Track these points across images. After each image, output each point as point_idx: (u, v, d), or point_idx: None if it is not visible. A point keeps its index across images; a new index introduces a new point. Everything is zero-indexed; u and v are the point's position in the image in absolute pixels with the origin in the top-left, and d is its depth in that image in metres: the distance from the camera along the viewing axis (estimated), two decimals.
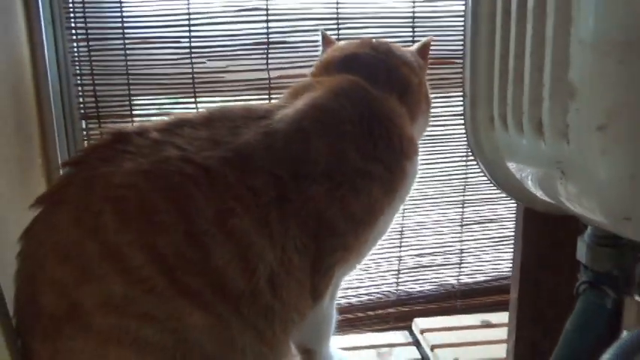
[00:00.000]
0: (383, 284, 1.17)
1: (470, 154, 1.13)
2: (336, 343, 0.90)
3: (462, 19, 1.05)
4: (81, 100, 1.00)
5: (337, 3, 1.01)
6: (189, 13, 0.98)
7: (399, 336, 1.03)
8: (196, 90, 1.01)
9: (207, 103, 1.02)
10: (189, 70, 1.00)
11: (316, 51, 1.00)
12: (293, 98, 0.74)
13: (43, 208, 0.65)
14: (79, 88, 1.00)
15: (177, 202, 0.61)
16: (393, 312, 1.15)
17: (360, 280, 1.15)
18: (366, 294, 1.16)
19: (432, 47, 0.89)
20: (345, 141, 0.70)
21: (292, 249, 0.67)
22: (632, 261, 0.59)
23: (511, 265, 1.20)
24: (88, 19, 0.97)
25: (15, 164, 0.86)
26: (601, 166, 0.36)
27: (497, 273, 1.20)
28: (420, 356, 0.96)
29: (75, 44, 0.98)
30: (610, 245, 0.57)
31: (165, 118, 0.72)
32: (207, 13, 0.98)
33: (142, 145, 0.65)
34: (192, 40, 0.99)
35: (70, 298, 0.59)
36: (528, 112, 0.42)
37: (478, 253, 1.19)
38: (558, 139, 0.39)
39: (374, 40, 0.85)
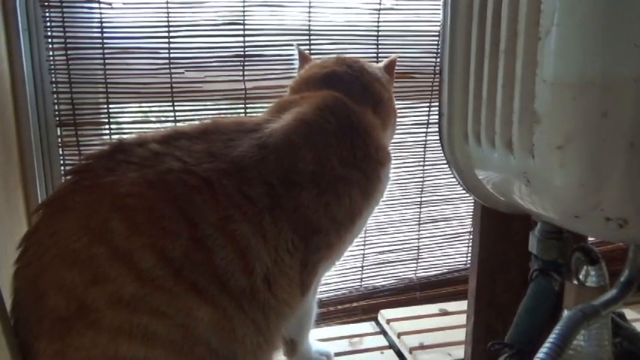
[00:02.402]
0: (348, 280, 1.26)
1: (425, 159, 1.25)
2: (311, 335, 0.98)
3: (419, 38, 1.17)
4: (56, 107, 1.02)
5: (309, 20, 1.08)
6: (168, 25, 1.02)
7: (366, 327, 1.12)
8: (174, 99, 1.05)
9: (186, 112, 1.07)
10: (168, 80, 1.04)
11: (290, 64, 1.07)
12: (279, 112, 0.81)
13: (45, 215, 0.68)
14: (55, 96, 1.01)
15: (182, 210, 0.67)
16: (359, 305, 1.24)
17: (328, 277, 1.23)
18: (333, 290, 1.24)
19: None
20: (329, 152, 0.78)
21: (284, 250, 0.73)
22: (570, 251, 0.72)
23: (463, 259, 1.34)
24: (66, 29, 0.98)
25: None
26: (559, 176, 0.47)
27: (451, 266, 1.32)
28: (387, 343, 1.06)
29: (51, 53, 0.99)
30: (556, 238, 0.68)
31: (161, 129, 0.76)
32: (187, 25, 1.03)
33: (144, 157, 0.70)
34: (171, 51, 1.03)
35: (80, 299, 0.62)
36: (500, 131, 0.52)
37: (434, 249, 1.31)
38: (525, 154, 0.49)
39: (347, 57, 0.93)
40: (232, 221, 0.69)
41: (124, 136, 0.74)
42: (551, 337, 0.57)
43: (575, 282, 0.71)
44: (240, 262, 0.69)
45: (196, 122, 0.78)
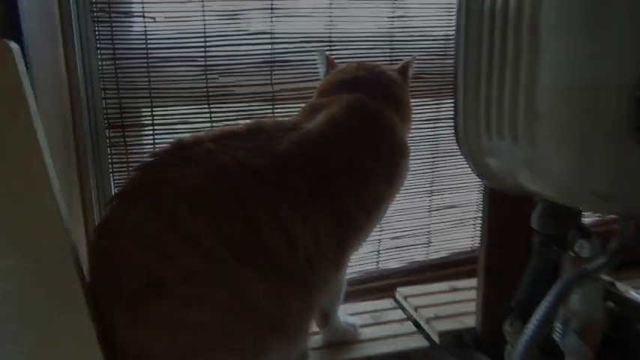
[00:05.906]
0: (366, 263, 1.39)
1: (436, 152, 1.37)
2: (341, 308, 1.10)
3: (427, 42, 1.29)
4: (105, 111, 1.13)
5: (330, 28, 1.20)
6: (205, 36, 1.13)
7: (385, 303, 1.24)
8: (210, 102, 1.17)
9: (220, 113, 1.18)
10: (204, 85, 1.15)
11: (313, 68, 1.19)
12: (312, 113, 0.93)
13: (118, 204, 0.80)
14: (104, 101, 1.12)
15: (237, 199, 0.78)
16: (375, 285, 1.36)
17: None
18: (353, 272, 1.36)
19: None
20: (359, 147, 0.90)
21: (322, 233, 0.85)
22: (567, 226, 0.84)
23: (469, 242, 1.46)
24: (115, 41, 1.10)
25: (62, 168, 0.98)
26: (557, 162, 0.59)
27: (458, 249, 1.45)
28: (405, 316, 1.18)
29: (101, 63, 1.11)
30: (554, 215, 0.80)
31: (212, 130, 0.87)
32: (221, 35, 1.14)
33: (201, 153, 0.82)
34: (207, 59, 1.14)
35: (152, 273, 0.73)
36: (508, 127, 0.65)
37: (443, 233, 1.44)
38: (529, 145, 0.61)
39: (368, 63, 1.05)
40: (278, 207, 0.81)
41: (182, 136, 0.85)
42: (549, 296, 0.69)
43: (572, 253, 0.83)
44: (286, 243, 0.81)
45: (241, 123, 0.90)
